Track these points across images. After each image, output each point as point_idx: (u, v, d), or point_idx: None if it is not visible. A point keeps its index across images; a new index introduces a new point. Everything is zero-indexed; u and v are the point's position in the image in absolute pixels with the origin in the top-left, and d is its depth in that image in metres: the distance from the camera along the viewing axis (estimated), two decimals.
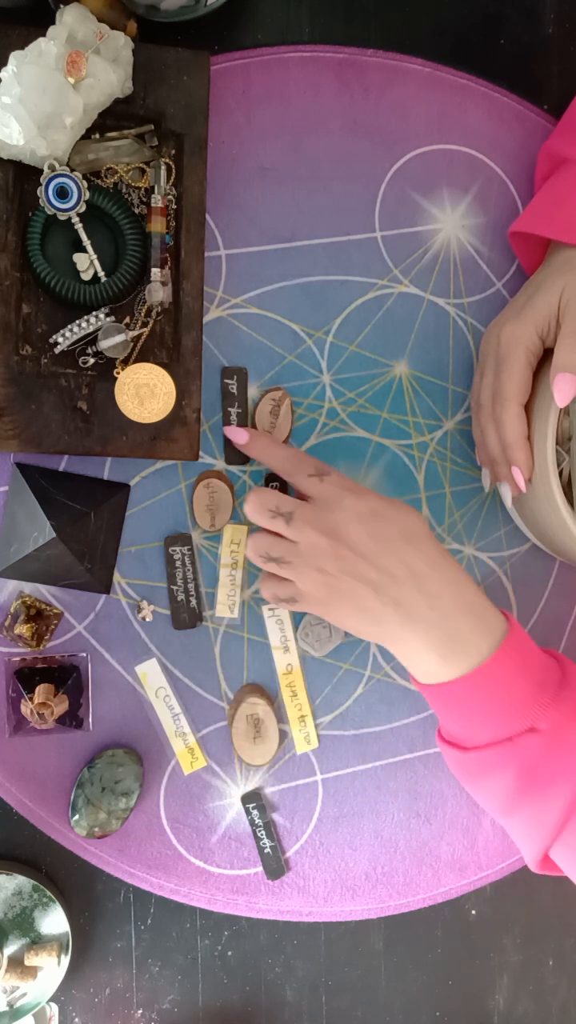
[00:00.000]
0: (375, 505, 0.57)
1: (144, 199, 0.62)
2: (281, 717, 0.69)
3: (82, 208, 0.59)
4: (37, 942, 0.66)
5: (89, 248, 0.60)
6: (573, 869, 0.58)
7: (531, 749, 0.55)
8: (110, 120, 0.60)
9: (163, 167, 0.61)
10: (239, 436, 0.63)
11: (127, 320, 0.62)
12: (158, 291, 0.61)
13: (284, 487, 0.67)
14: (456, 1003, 0.73)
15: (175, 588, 0.66)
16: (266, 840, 0.68)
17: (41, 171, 0.58)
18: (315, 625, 0.68)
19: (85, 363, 0.61)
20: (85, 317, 0.60)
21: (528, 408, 0.62)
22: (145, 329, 0.62)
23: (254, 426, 0.67)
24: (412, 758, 0.71)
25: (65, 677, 0.64)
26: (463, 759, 0.57)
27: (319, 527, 0.56)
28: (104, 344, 0.60)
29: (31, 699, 0.62)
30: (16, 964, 0.65)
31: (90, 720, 0.66)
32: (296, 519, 0.57)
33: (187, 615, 0.67)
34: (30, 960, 0.65)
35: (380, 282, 0.69)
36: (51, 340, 0.61)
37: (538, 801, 0.56)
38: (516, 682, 0.55)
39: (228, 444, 0.67)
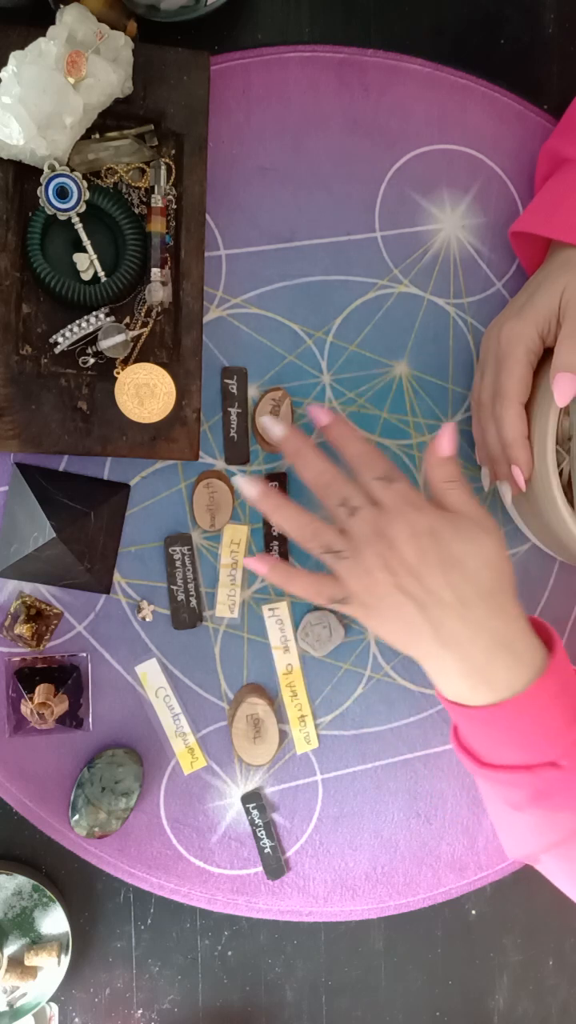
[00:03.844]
0: (434, 523, 0.54)
1: (144, 199, 0.62)
2: (281, 717, 0.68)
3: (82, 208, 0.59)
4: (37, 942, 0.66)
5: (89, 248, 0.60)
6: (559, 878, 0.58)
7: (549, 781, 0.53)
8: (110, 120, 0.60)
9: (163, 167, 0.61)
10: (322, 416, 0.58)
11: (127, 320, 0.62)
12: (158, 291, 0.61)
13: (283, 487, 0.67)
14: (456, 1003, 0.73)
15: (175, 588, 0.66)
16: (266, 840, 0.68)
17: (41, 171, 0.58)
18: (315, 625, 0.68)
19: (85, 363, 0.61)
20: (85, 317, 0.60)
21: (528, 407, 0.62)
22: (145, 329, 0.62)
23: (254, 427, 0.67)
24: (412, 758, 0.71)
25: (65, 677, 0.64)
26: (477, 770, 0.56)
27: (378, 533, 0.54)
28: (104, 344, 0.60)
29: (31, 699, 0.62)
30: (16, 964, 0.65)
31: (90, 720, 0.66)
32: (359, 518, 0.55)
33: (187, 615, 0.67)
34: (30, 960, 0.65)
35: (380, 282, 0.69)
36: (51, 340, 0.61)
37: (543, 820, 0.55)
38: (544, 719, 0.53)
39: (228, 444, 0.67)
